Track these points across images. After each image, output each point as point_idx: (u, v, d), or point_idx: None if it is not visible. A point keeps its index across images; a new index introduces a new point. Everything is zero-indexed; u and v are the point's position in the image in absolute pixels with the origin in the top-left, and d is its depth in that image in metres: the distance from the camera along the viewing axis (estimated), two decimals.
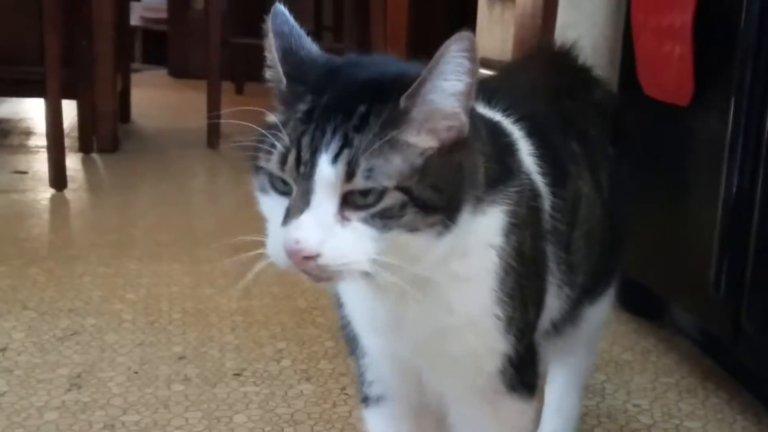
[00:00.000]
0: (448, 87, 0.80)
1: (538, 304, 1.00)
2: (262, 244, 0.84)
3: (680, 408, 1.54)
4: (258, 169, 0.83)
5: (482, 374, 0.96)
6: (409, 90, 0.79)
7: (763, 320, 1.38)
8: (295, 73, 0.85)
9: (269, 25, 0.86)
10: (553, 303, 1.04)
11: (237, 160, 3.67)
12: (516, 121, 1.01)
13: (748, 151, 1.39)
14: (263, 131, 0.83)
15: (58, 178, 2.92)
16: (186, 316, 1.88)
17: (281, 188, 0.81)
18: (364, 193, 0.78)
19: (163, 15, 6.60)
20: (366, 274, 0.80)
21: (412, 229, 0.80)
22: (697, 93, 1.56)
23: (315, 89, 0.82)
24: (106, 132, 3.57)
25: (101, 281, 2.06)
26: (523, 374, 0.99)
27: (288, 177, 0.80)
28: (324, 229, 0.77)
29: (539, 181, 0.99)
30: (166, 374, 1.60)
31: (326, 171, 0.77)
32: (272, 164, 0.80)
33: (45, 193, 2.89)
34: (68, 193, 2.92)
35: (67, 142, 3.09)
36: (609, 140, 1.21)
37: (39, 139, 3.70)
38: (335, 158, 0.77)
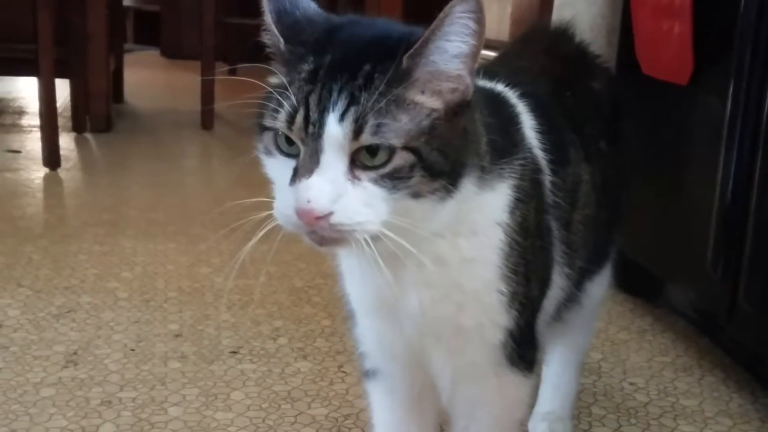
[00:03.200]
0: (451, 48, 0.80)
1: (544, 281, 1.00)
2: (266, 207, 0.83)
3: (676, 386, 1.55)
4: (263, 129, 0.83)
5: (484, 348, 0.96)
6: (412, 50, 0.79)
7: (760, 299, 1.38)
8: (292, 34, 0.84)
9: None
10: (557, 280, 1.04)
11: (231, 141, 3.67)
12: (519, 96, 1.01)
13: (748, 129, 1.39)
14: (269, 90, 0.82)
15: (52, 157, 2.90)
16: (182, 294, 1.87)
17: (286, 149, 0.81)
18: (373, 152, 0.78)
19: None
20: (374, 238, 0.80)
21: (416, 194, 0.80)
22: (697, 72, 1.55)
23: (316, 49, 0.82)
24: (99, 112, 3.55)
25: (96, 260, 2.06)
26: (523, 349, 0.99)
27: (296, 137, 0.79)
28: (335, 188, 0.77)
29: (541, 156, 0.99)
30: (162, 351, 1.59)
31: (334, 129, 0.77)
32: (279, 124, 0.80)
33: (38, 172, 2.88)
34: (62, 172, 2.91)
35: (60, 121, 3.08)
36: (603, 134, 1.20)
37: (32, 119, 3.68)
38: (342, 116, 0.77)
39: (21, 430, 1.31)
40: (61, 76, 3.19)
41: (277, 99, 0.80)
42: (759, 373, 1.54)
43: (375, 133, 0.77)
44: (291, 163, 0.80)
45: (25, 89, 4.30)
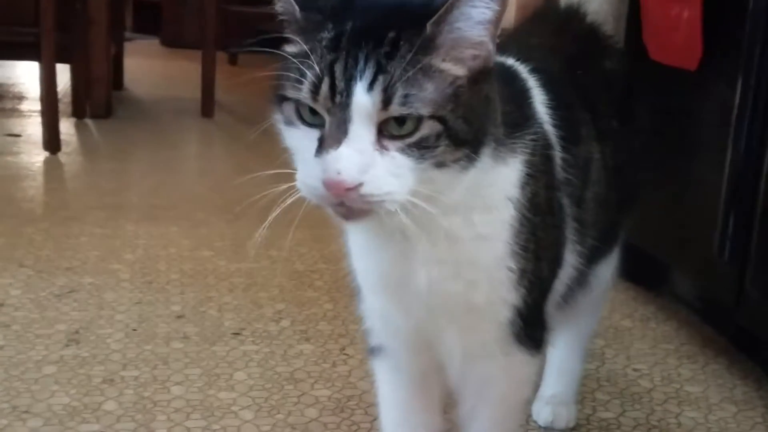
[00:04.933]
0: (475, 14, 0.78)
1: (555, 259, 0.99)
2: (285, 179, 0.82)
3: (680, 373, 1.54)
4: (283, 100, 0.81)
5: (492, 326, 0.96)
6: (436, 16, 0.78)
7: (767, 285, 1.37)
8: (307, 1, 0.82)
9: None
10: (569, 258, 1.03)
11: (232, 129, 3.66)
12: (530, 71, 1.00)
13: (757, 115, 1.39)
14: (288, 59, 0.80)
15: (52, 140, 2.89)
16: (184, 276, 1.86)
17: (309, 119, 0.79)
18: (400, 122, 0.77)
19: None
20: (401, 208, 0.78)
21: (441, 163, 0.79)
22: (706, 57, 1.54)
23: (335, 16, 0.80)
24: (100, 97, 3.54)
25: (98, 242, 2.05)
26: (531, 328, 0.98)
27: (321, 107, 0.77)
28: (364, 158, 0.76)
29: (551, 132, 0.98)
30: (164, 332, 1.58)
31: (363, 99, 0.75)
32: (303, 94, 0.78)
33: (39, 156, 2.86)
34: (62, 156, 2.90)
35: (60, 106, 3.06)
36: (615, 113, 1.20)
37: (32, 104, 3.67)
38: (371, 85, 0.75)
39: (23, 407, 1.30)
40: (62, 61, 3.17)
41: (298, 68, 0.78)
42: (764, 361, 1.54)
43: (404, 104, 0.76)
44: (315, 134, 0.78)
45: (26, 75, 4.28)
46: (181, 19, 6.14)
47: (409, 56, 0.76)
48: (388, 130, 0.77)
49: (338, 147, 0.76)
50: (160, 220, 2.24)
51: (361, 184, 0.76)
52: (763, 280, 1.38)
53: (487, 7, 0.78)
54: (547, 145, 0.96)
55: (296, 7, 0.82)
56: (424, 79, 0.77)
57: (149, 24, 6.77)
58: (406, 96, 0.76)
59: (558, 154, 0.98)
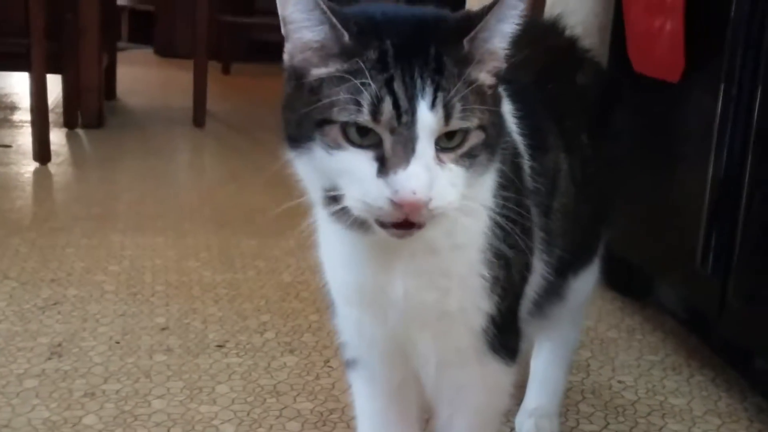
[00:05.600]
0: (505, 29, 0.83)
1: (525, 265, 1.00)
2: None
3: (665, 385, 1.54)
4: (324, 124, 0.80)
5: (467, 334, 0.96)
6: (473, 33, 0.81)
7: (750, 296, 1.37)
8: (346, 24, 0.81)
9: None
10: (538, 266, 1.03)
11: (223, 138, 3.66)
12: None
13: (738, 127, 1.39)
14: (323, 83, 0.80)
15: (42, 151, 2.89)
16: (169, 288, 1.86)
17: (358, 141, 0.79)
18: (450, 135, 0.80)
19: None
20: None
21: (480, 169, 0.83)
22: (688, 69, 1.55)
23: (370, 35, 0.80)
24: (91, 107, 3.53)
25: (84, 253, 2.04)
26: (504, 336, 0.99)
27: (383, 127, 0.78)
28: (431, 174, 0.78)
29: (519, 141, 1.00)
30: (148, 344, 1.58)
31: (427, 117, 0.77)
32: (364, 116, 0.77)
33: (28, 167, 2.86)
34: (52, 166, 2.89)
35: (51, 117, 3.06)
36: (586, 127, 1.20)
37: (24, 114, 3.67)
38: (433, 103, 0.77)
39: (3, 421, 1.29)
40: (53, 71, 3.17)
41: (348, 90, 0.78)
42: (748, 372, 1.54)
43: (462, 117, 0.79)
44: (368, 154, 0.78)
45: (18, 85, 4.28)
46: (174, 29, 6.15)
47: (455, 71, 0.79)
48: (440, 144, 0.79)
49: (407, 166, 0.77)
50: (147, 231, 2.24)
51: (430, 199, 0.77)
52: (745, 291, 1.38)
53: (515, 23, 0.83)
54: (516, 154, 0.98)
55: (345, 33, 0.81)
56: (469, 92, 0.80)
57: (144, 33, 6.78)
58: (463, 110, 0.79)
59: (526, 163, 1.00)
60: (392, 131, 0.77)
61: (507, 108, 0.98)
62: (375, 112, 0.77)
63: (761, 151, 1.34)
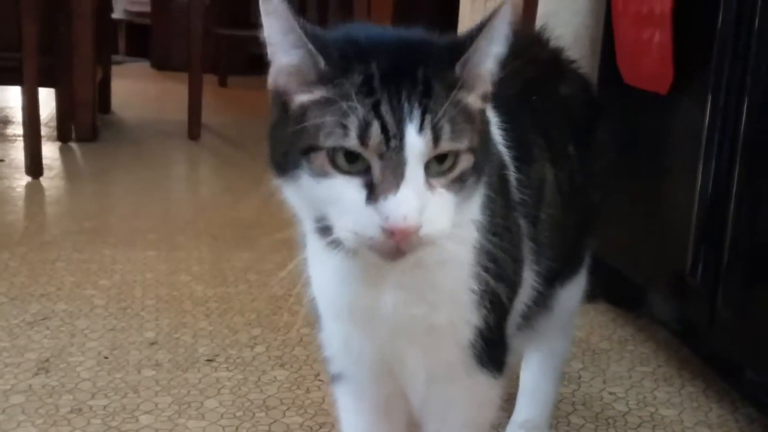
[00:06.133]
0: (495, 51, 0.82)
1: (514, 279, 0.99)
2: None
3: (656, 396, 1.53)
4: (310, 151, 0.78)
5: (455, 347, 0.96)
6: (464, 57, 0.80)
7: (739, 307, 1.37)
8: (323, 49, 0.80)
9: (266, 7, 0.80)
10: (527, 277, 1.03)
11: (218, 151, 3.65)
12: None
13: (726, 138, 1.38)
14: (308, 109, 0.79)
15: (34, 165, 2.88)
16: (160, 302, 1.85)
17: (346, 167, 0.77)
18: (441, 159, 0.78)
19: (147, 8, 6.55)
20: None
21: (469, 193, 0.82)
22: (677, 81, 1.55)
23: (354, 59, 0.79)
24: (85, 121, 3.53)
25: (74, 267, 2.03)
26: (492, 350, 0.98)
27: (371, 152, 0.76)
28: (422, 200, 0.76)
29: (505, 153, 1.00)
30: (136, 359, 1.57)
31: (416, 140, 0.76)
32: (351, 141, 0.76)
33: (21, 181, 2.85)
34: (44, 180, 2.89)
35: (45, 130, 3.06)
36: (571, 138, 1.20)
37: (17, 128, 3.66)
38: (421, 126, 0.76)
39: None
40: (47, 84, 3.16)
41: (335, 115, 0.76)
42: (739, 383, 1.53)
43: (451, 140, 0.77)
44: (356, 181, 0.77)
45: (12, 99, 4.28)
46: (170, 42, 6.15)
47: (444, 93, 0.78)
48: (430, 168, 0.78)
49: (397, 191, 0.75)
50: (139, 244, 2.23)
51: (420, 226, 0.76)
52: (734, 302, 1.38)
53: (502, 45, 0.82)
54: (502, 166, 0.98)
55: (320, 58, 0.79)
56: (458, 114, 0.79)
57: (141, 47, 6.79)
58: (452, 132, 0.77)
59: (512, 175, 0.99)
60: (381, 156, 0.76)
61: (493, 120, 0.98)
62: (363, 136, 0.75)
63: (748, 162, 1.34)
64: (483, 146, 0.83)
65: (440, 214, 0.78)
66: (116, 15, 6.18)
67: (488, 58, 0.82)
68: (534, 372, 1.36)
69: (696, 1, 1.50)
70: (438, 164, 0.78)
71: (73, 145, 3.48)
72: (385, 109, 0.76)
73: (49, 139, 3.41)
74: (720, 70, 1.38)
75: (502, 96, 1.00)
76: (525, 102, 1.11)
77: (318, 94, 0.79)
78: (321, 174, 0.78)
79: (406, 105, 0.76)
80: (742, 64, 1.35)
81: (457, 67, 0.80)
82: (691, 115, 1.50)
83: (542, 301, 1.13)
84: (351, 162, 0.77)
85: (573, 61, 1.30)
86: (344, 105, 0.76)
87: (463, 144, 0.79)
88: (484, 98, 0.84)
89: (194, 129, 3.78)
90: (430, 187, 0.77)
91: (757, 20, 1.31)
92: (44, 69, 3.00)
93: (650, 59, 1.60)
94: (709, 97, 1.40)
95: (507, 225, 0.96)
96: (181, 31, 5.17)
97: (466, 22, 3.09)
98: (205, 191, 3.06)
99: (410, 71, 0.78)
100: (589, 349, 1.72)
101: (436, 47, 0.82)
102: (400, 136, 0.75)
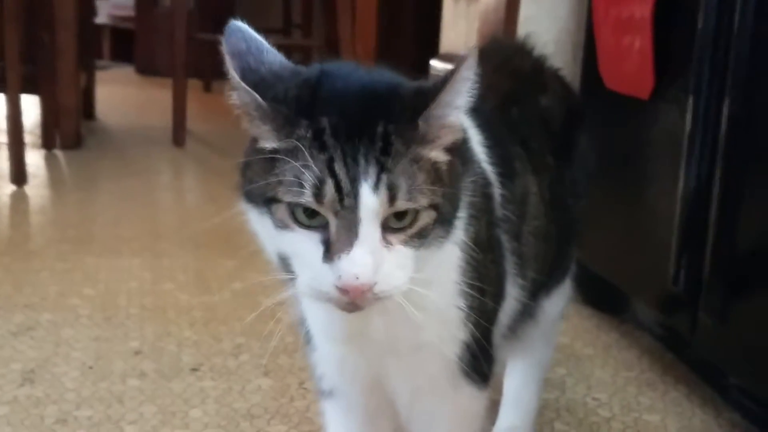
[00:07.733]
0: (458, 103, 0.80)
1: (498, 293, 1.00)
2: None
3: (639, 401, 1.54)
4: (272, 202, 0.78)
5: (441, 362, 0.96)
6: (426, 112, 0.78)
7: (721, 313, 1.38)
8: (262, 91, 0.79)
9: (224, 46, 0.81)
10: (511, 291, 1.04)
11: (203, 158, 3.65)
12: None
13: (707, 143, 1.39)
14: (268, 157, 0.78)
15: (18, 173, 2.87)
16: (144, 311, 1.85)
17: (306, 222, 0.77)
18: (400, 216, 0.77)
19: (131, 13, 6.54)
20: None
21: (432, 246, 0.81)
22: (658, 87, 1.56)
23: (305, 109, 0.78)
24: (69, 128, 3.52)
25: (59, 276, 2.03)
26: (478, 362, 0.99)
27: (326, 210, 0.76)
28: (376, 258, 0.76)
29: (489, 171, 1.00)
30: (121, 369, 1.57)
31: (371, 199, 0.75)
32: (306, 198, 0.75)
33: (5, 189, 2.84)
34: (28, 189, 2.88)
35: (29, 138, 3.05)
36: (551, 149, 1.20)
37: (1, 136, 3.64)
38: (376, 184, 0.75)
39: None
40: (30, 92, 3.16)
41: (292, 170, 0.76)
42: (722, 388, 1.54)
43: (408, 198, 0.76)
44: (315, 236, 0.77)
45: None
46: (154, 47, 6.15)
47: (404, 150, 0.77)
48: (388, 224, 0.77)
49: (350, 251, 0.75)
50: (122, 253, 2.23)
51: (375, 284, 0.76)
52: (716, 308, 1.39)
53: (468, 96, 0.80)
54: (486, 184, 0.98)
55: (257, 96, 0.78)
56: (419, 171, 0.78)
57: (126, 52, 6.78)
58: (409, 191, 0.76)
59: (497, 191, 0.99)
60: (336, 214, 0.76)
61: (475, 139, 0.98)
62: (318, 195, 0.75)
63: (728, 167, 1.35)
64: (450, 199, 0.81)
65: (395, 271, 0.78)
66: (100, 20, 6.17)
67: (453, 111, 0.80)
68: (517, 380, 1.37)
69: (676, 7, 1.51)
70: (397, 220, 0.77)
71: (58, 152, 3.47)
72: (339, 166, 0.75)
73: (34, 146, 3.40)
74: (700, 75, 1.39)
75: (483, 113, 1.01)
76: (506, 114, 1.12)
77: (276, 143, 0.78)
78: (282, 226, 0.78)
79: (363, 162, 0.75)
80: (722, 70, 1.36)
81: (420, 122, 0.78)
82: (672, 120, 1.51)
83: (527, 312, 1.13)
84: (311, 217, 0.77)
85: (556, 70, 1.30)
86: (299, 162, 0.75)
87: (421, 202, 0.77)
88: (452, 148, 0.82)
89: (179, 136, 3.78)
90: (387, 243, 0.77)
91: (736, 25, 1.33)
92: (27, 76, 3.00)
93: (631, 64, 1.61)
94: (690, 102, 1.41)
95: (490, 242, 0.96)
96: (165, 36, 5.16)
97: (449, 24, 3.11)
98: (189, 199, 3.06)
99: (369, 126, 0.76)
100: (573, 355, 1.72)
101: (400, 99, 0.79)
102: (355, 195, 0.75)
